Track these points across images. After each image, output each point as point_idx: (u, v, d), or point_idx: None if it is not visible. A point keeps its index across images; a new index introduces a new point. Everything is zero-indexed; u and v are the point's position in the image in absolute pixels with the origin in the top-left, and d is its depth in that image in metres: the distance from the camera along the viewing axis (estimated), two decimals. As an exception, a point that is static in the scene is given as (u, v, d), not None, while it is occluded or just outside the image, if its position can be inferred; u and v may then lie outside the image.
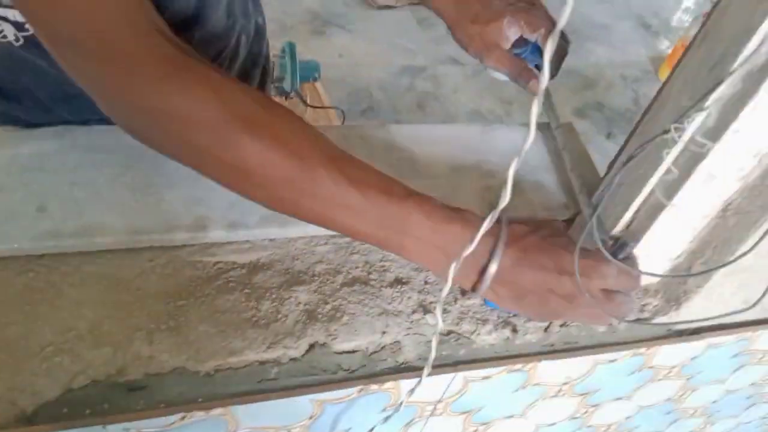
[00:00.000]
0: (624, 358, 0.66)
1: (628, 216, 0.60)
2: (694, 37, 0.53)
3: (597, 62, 3.00)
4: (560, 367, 0.64)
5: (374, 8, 2.83)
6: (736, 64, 0.45)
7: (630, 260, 0.57)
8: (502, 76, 0.75)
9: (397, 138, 0.69)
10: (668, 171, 0.54)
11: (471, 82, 2.74)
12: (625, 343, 0.65)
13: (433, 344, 0.45)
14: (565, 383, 0.67)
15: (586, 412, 0.77)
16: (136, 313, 0.51)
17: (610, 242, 0.60)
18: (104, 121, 0.60)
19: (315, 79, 1.88)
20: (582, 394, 0.71)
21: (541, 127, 0.80)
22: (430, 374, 0.52)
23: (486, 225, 0.39)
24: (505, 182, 0.36)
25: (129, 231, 0.53)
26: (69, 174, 0.55)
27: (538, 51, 0.73)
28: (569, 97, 2.92)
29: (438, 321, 0.44)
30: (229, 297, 0.55)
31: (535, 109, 0.31)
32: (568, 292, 0.50)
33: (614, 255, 0.54)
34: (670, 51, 3.37)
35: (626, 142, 0.63)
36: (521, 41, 0.72)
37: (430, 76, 2.66)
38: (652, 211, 0.58)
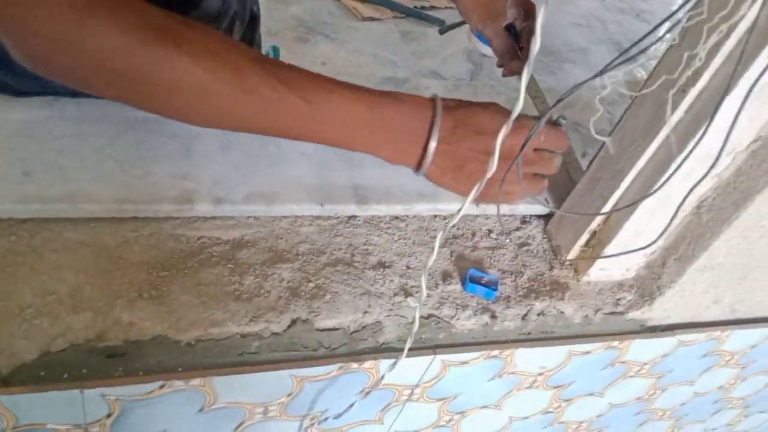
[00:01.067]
0: (598, 350, 0.67)
1: (608, 207, 0.61)
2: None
3: (575, 83, 3.07)
4: (536, 356, 0.65)
5: (359, 19, 2.87)
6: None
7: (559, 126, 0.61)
8: (487, 50, 0.82)
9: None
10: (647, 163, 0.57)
11: (451, 95, 2.78)
12: (600, 335, 0.66)
13: (423, 284, 0.43)
14: (540, 374, 0.68)
15: (558, 407, 0.78)
16: (117, 281, 0.51)
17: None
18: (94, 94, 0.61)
19: (298, 85, 1.91)
20: (556, 387, 0.72)
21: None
22: (408, 355, 0.52)
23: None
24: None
25: (114, 200, 0.53)
26: (56, 141, 0.55)
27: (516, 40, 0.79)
28: (547, 117, 2.98)
29: (433, 256, 0.40)
30: (213, 271, 0.55)
31: (526, 74, 0.32)
32: (506, 153, 0.53)
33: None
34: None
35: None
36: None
37: (411, 88, 2.67)
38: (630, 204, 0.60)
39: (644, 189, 0.59)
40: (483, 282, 0.62)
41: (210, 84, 0.47)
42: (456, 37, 1.00)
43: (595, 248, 0.65)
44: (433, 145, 0.54)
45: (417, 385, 0.62)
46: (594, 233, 0.64)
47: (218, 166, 0.59)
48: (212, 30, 0.49)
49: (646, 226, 0.61)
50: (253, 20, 0.76)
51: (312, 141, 0.55)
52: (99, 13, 0.43)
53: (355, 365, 0.55)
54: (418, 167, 0.56)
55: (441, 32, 1.04)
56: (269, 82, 0.48)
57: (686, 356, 0.76)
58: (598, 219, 0.63)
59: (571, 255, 0.67)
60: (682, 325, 0.71)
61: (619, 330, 0.67)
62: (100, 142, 0.57)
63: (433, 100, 0.58)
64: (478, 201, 0.64)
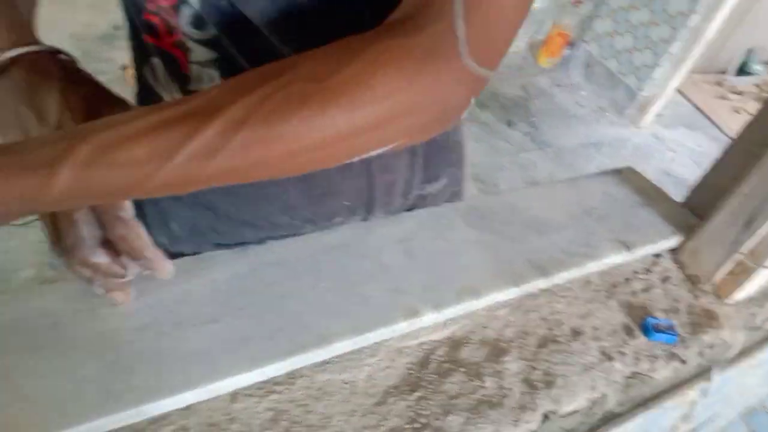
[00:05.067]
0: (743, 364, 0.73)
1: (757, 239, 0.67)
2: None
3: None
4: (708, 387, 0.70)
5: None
6: None
7: None
8: None
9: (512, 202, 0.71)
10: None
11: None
12: (747, 350, 0.72)
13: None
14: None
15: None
16: (388, 418, 0.50)
17: None
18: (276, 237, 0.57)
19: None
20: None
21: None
22: (626, 419, 0.56)
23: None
24: None
25: (357, 332, 0.51)
26: (274, 288, 0.52)
27: None
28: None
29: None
30: (452, 380, 0.54)
31: None
32: None
33: None
34: (545, 38, 3.67)
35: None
36: None
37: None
38: None
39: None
40: (662, 329, 0.65)
41: None
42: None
43: (740, 275, 0.70)
44: None
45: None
46: (741, 261, 0.70)
47: (416, 274, 0.58)
48: None
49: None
50: None
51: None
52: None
53: (598, 441, 0.57)
54: None
55: None
56: None
57: None
58: (746, 248, 0.68)
59: (714, 282, 0.72)
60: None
61: (759, 339, 0.74)
62: (310, 279, 0.54)
63: None
64: None
